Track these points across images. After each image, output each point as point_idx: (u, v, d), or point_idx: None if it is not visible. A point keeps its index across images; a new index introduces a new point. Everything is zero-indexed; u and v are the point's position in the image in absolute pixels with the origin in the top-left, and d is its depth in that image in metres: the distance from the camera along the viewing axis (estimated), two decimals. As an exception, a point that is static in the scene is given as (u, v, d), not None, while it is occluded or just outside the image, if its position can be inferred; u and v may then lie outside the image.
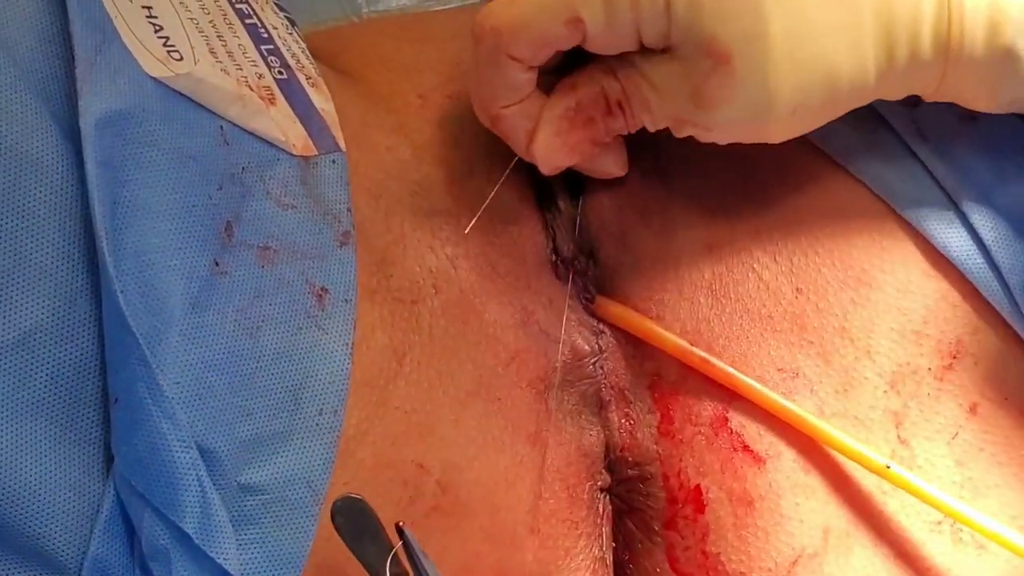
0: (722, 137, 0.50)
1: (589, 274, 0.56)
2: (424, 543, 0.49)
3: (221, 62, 0.50)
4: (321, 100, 0.53)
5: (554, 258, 0.56)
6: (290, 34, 0.55)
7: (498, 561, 0.51)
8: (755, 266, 0.54)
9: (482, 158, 0.56)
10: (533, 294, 0.55)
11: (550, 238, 0.56)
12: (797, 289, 0.54)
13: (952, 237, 0.53)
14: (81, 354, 0.43)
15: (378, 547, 0.45)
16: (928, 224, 0.53)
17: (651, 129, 0.51)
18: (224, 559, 0.43)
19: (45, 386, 0.43)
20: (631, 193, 0.56)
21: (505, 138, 0.52)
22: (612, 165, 0.55)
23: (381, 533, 0.45)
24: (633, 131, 0.52)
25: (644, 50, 0.49)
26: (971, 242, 0.52)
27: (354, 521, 0.44)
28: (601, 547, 0.54)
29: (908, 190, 0.54)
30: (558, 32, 0.49)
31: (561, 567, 0.53)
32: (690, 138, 0.51)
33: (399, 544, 0.45)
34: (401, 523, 0.45)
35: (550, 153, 0.52)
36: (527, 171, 0.54)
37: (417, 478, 0.50)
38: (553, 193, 0.56)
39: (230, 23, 0.52)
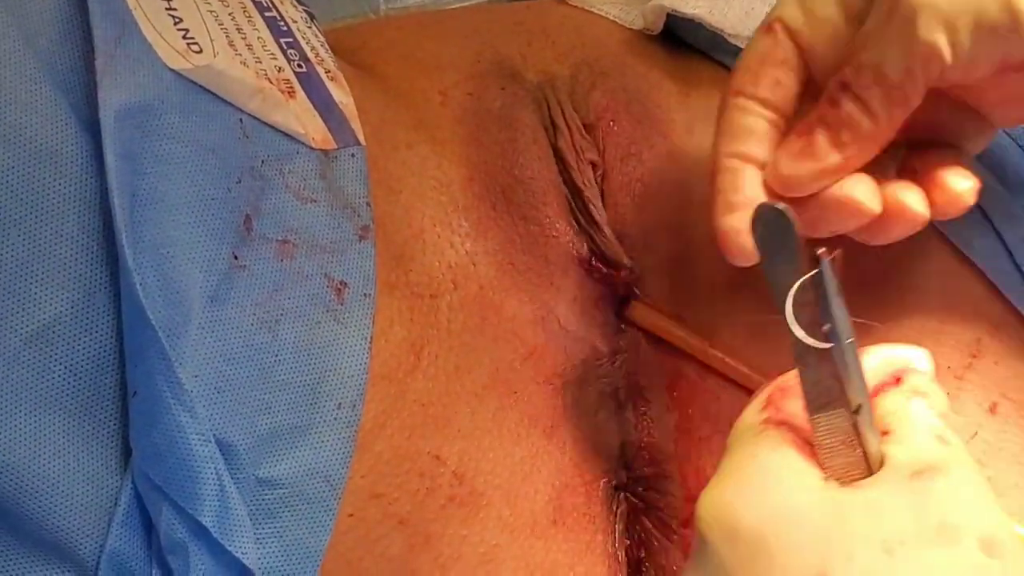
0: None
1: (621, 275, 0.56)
2: (443, 533, 0.49)
3: (240, 55, 0.49)
4: (340, 94, 0.53)
5: (592, 259, 0.56)
6: (309, 27, 0.55)
7: (519, 551, 0.51)
8: None
9: (503, 155, 0.55)
10: (556, 291, 0.55)
11: (585, 240, 0.56)
12: (816, 287, 0.54)
13: (974, 236, 0.53)
14: (100, 347, 0.43)
15: (790, 267, 0.41)
16: (950, 223, 0.53)
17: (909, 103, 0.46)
18: (242, 553, 0.43)
19: (63, 379, 0.42)
20: (650, 197, 0.56)
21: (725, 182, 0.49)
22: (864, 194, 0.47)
23: (797, 254, 0.41)
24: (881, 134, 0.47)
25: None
26: (994, 241, 0.52)
27: (775, 234, 0.41)
28: (614, 544, 0.54)
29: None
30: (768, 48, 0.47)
31: (582, 559, 0.52)
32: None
33: (813, 272, 0.40)
34: (821, 251, 0.40)
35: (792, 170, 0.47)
36: (555, 171, 0.54)
37: (433, 469, 0.50)
38: (585, 197, 0.56)
39: (249, 16, 0.52)
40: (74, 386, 0.43)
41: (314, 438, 0.46)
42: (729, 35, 0.58)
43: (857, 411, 0.41)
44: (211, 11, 0.50)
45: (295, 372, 0.46)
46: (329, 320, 0.48)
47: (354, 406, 0.47)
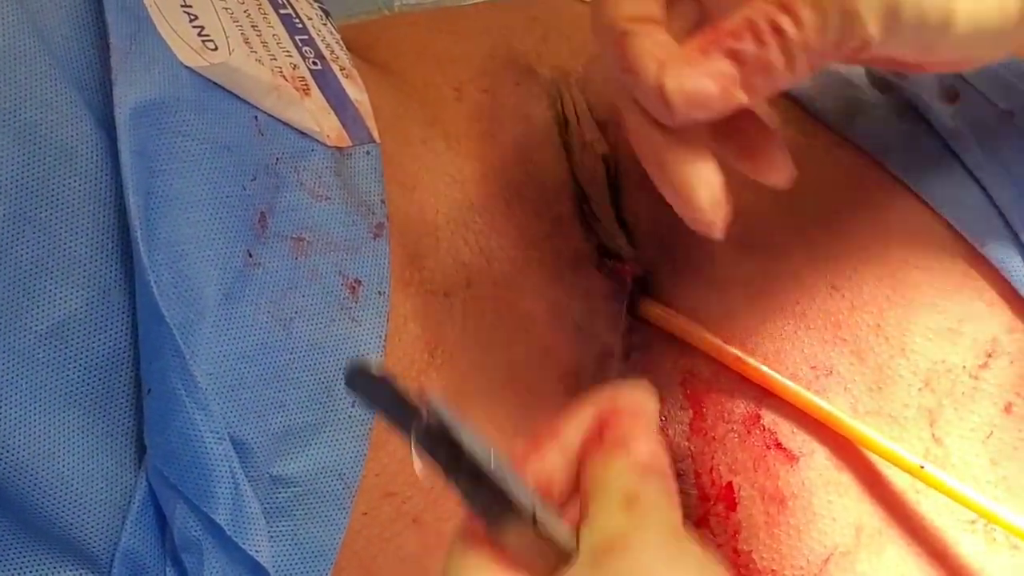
0: (902, 42, 0.41)
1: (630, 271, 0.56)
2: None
3: (256, 52, 0.49)
4: (355, 91, 0.53)
5: (598, 255, 0.55)
6: (324, 24, 0.55)
7: None
8: (790, 263, 0.54)
9: (517, 151, 0.55)
10: (568, 288, 0.54)
11: (593, 235, 0.56)
12: (832, 286, 0.53)
13: (990, 235, 0.52)
14: (114, 344, 0.43)
15: (405, 415, 0.38)
16: (966, 222, 0.53)
17: (815, 54, 0.41)
18: (256, 551, 0.43)
19: (78, 376, 0.43)
20: None
21: (631, 68, 0.42)
22: (776, 164, 0.46)
23: (406, 400, 0.38)
24: (792, 71, 0.41)
25: None
26: (1009, 241, 0.52)
27: (377, 391, 0.38)
28: (628, 541, 0.54)
29: (947, 188, 0.53)
30: None
31: None
32: None
33: (427, 414, 0.38)
34: (425, 394, 0.38)
35: (684, 79, 0.41)
36: (566, 167, 0.54)
37: None
38: (587, 191, 0.56)
39: (264, 13, 0.52)
40: (89, 383, 0.43)
41: (328, 436, 0.46)
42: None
43: (534, 518, 0.39)
44: (226, 8, 0.50)
45: (309, 370, 0.46)
46: (343, 318, 0.47)
47: None
